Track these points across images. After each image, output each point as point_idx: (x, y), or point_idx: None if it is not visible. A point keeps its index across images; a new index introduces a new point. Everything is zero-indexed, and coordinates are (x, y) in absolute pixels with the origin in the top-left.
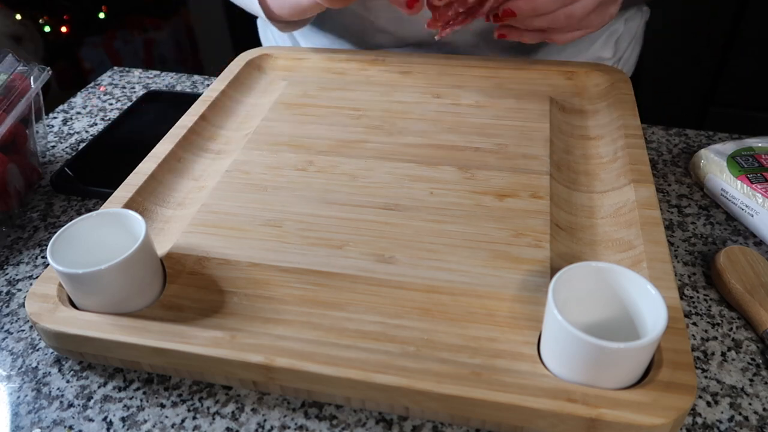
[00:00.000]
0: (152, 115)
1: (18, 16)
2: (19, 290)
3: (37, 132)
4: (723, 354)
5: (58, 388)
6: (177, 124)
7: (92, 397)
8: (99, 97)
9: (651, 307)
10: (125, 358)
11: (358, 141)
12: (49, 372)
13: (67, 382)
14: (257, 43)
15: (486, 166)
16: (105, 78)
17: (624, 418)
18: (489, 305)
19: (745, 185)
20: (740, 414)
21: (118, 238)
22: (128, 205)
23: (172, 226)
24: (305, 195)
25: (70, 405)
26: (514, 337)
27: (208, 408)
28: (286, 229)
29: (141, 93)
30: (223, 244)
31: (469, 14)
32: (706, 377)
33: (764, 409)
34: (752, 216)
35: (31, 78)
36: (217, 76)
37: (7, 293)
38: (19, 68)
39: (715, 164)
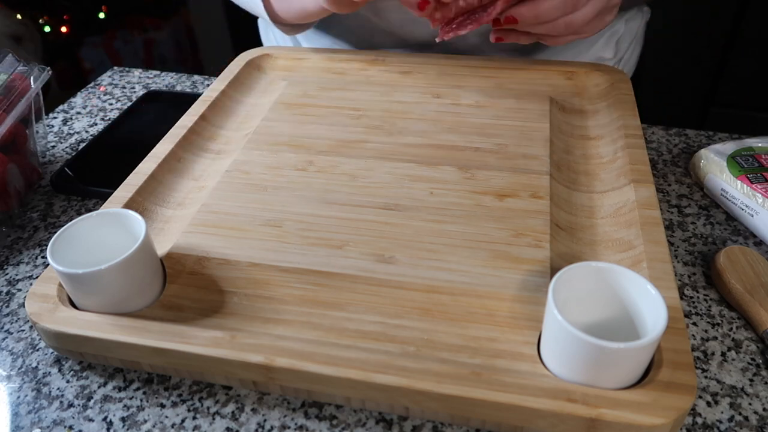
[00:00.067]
0: (152, 115)
1: (18, 16)
2: (19, 290)
3: (37, 132)
4: (723, 354)
5: (58, 388)
6: (177, 124)
7: (92, 397)
8: (99, 97)
9: (651, 307)
10: (125, 358)
11: (358, 141)
12: (49, 372)
13: (67, 382)
14: (257, 43)
15: (486, 166)
16: (105, 78)
17: (624, 418)
18: (489, 305)
19: (745, 185)
20: (740, 414)
21: (118, 238)
22: (128, 205)
23: (172, 226)
24: (305, 195)
25: (70, 405)
26: (514, 337)
27: (208, 408)
28: (286, 229)
29: (141, 93)
30: (223, 244)
31: (474, 21)
32: (706, 377)
33: (764, 409)
34: (752, 216)
35: (31, 78)
36: (217, 76)
37: (7, 293)
38: (19, 68)
39: (715, 164)
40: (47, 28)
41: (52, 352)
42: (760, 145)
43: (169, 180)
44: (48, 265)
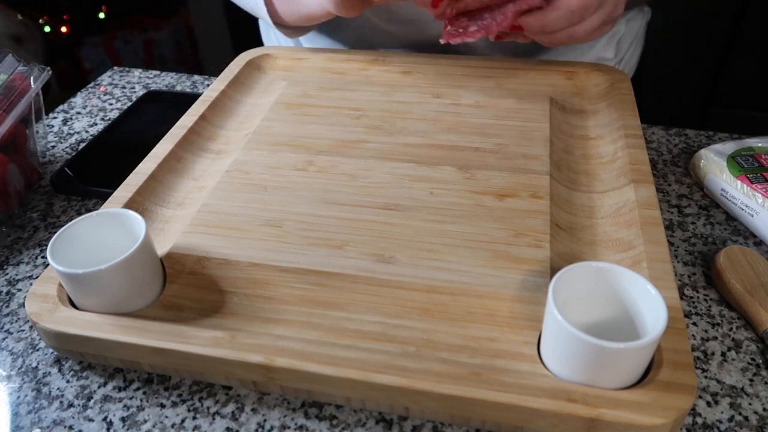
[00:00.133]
0: (152, 115)
1: (18, 17)
2: (19, 290)
3: (37, 132)
4: (723, 354)
5: (58, 388)
6: (177, 124)
7: (92, 397)
8: (99, 97)
9: (651, 307)
10: (125, 358)
11: (358, 141)
12: (49, 372)
13: (67, 382)
14: (257, 43)
15: (486, 166)
16: (105, 78)
17: (624, 418)
18: (489, 305)
19: (745, 185)
20: (740, 414)
21: (118, 238)
22: (128, 205)
23: (172, 226)
24: (305, 195)
25: (70, 405)
26: (514, 337)
27: (208, 408)
28: (286, 229)
29: (141, 93)
30: (223, 244)
31: (483, 28)
32: (706, 377)
33: (764, 409)
34: (752, 216)
35: (31, 78)
36: (217, 76)
37: (7, 293)
38: (19, 68)
39: (715, 164)
40: (47, 28)
41: (52, 352)
42: (760, 145)
43: (169, 180)
44: (48, 265)
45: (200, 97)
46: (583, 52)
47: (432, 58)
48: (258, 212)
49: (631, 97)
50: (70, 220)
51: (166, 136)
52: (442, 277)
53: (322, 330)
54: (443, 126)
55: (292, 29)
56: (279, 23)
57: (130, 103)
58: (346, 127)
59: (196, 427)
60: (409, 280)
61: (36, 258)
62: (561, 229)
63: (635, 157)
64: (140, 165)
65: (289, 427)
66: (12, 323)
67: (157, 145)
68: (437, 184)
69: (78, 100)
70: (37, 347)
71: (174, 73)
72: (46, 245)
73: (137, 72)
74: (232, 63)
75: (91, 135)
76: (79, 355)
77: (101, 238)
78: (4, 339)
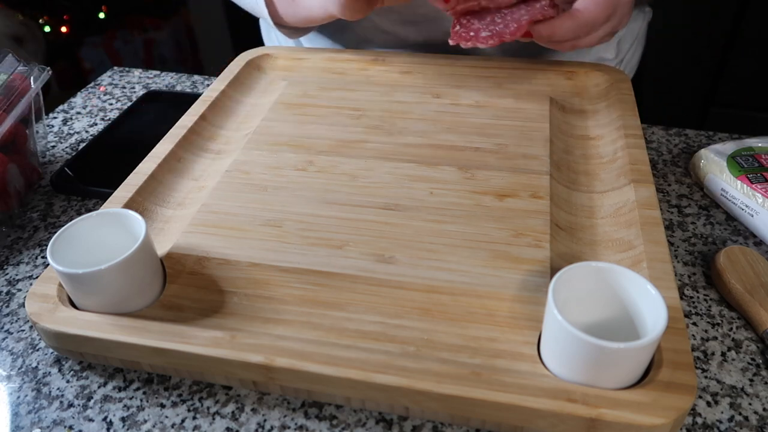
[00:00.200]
0: (152, 115)
1: (19, 16)
2: (19, 290)
3: (37, 132)
4: (723, 354)
5: (58, 388)
6: (177, 124)
7: (92, 397)
8: (99, 97)
9: (651, 307)
10: (125, 358)
11: (358, 141)
12: (49, 372)
13: (67, 382)
14: (257, 43)
15: (486, 166)
16: (105, 78)
17: (624, 418)
18: (489, 305)
19: (745, 185)
20: (740, 414)
21: (118, 238)
22: (128, 205)
23: (172, 226)
24: (305, 195)
25: (70, 405)
26: (514, 337)
27: (208, 408)
28: (286, 229)
29: (141, 93)
30: (223, 244)
31: (495, 35)
32: (706, 377)
33: (764, 409)
34: (752, 216)
35: (31, 78)
36: (217, 76)
37: (7, 293)
38: (19, 68)
39: (715, 164)
40: (47, 28)
41: (52, 352)
42: (760, 145)
43: (169, 180)
44: (48, 265)
45: (200, 97)
46: (583, 52)
47: (432, 58)
48: (258, 212)
49: (631, 97)
50: (70, 220)
51: (166, 136)
52: (442, 277)
53: (322, 330)
54: (443, 126)
55: (292, 30)
56: (279, 24)
57: (130, 103)
58: (346, 127)
59: (196, 427)
60: (409, 280)
61: (36, 258)
62: (561, 229)
63: (635, 157)
64: (140, 165)
65: (289, 427)
66: (12, 323)
67: (157, 145)
68: (437, 184)
69: (78, 100)
70: (37, 347)
71: (174, 73)
72: (46, 245)
73: (137, 72)
74: (232, 63)
75: (91, 135)
76: (79, 355)
77: (101, 238)
78: (4, 339)
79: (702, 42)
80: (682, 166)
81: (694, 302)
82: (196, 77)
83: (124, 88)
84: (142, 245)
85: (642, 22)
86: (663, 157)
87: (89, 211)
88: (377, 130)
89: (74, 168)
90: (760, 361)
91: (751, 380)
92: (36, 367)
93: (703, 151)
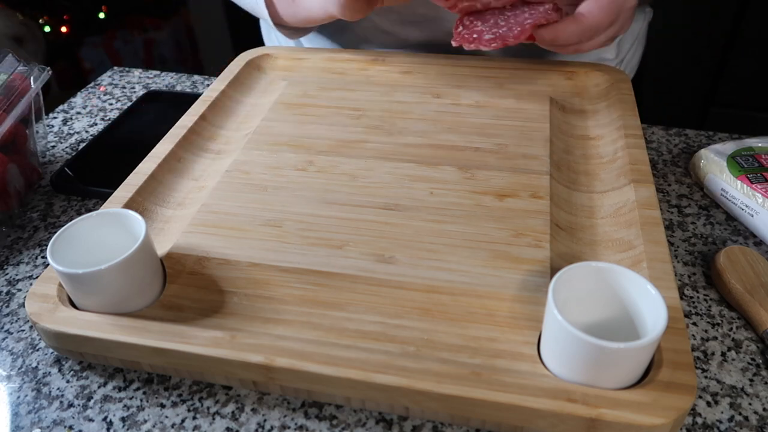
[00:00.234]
0: (152, 115)
1: (19, 16)
2: (19, 290)
3: (37, 132)
4: (723, 354)
5: (58, 388)
6: (177, 124)
7: (92, 397)
8: (99, 97)
9: (651, 307)
10: (125, 358)
11: (358, 141)
12: (49, 372)
13: (67, 382)
14: (257, 43)
15: (486, 166)
16: (105, 78)
17: (624, 418)
18: (489, 305)
19: (745, 185)
20: (740, 414)
21: (118, 238)
22: (128, 205)
23: (172, 226)
24: (305, 195)
25: (70, 405)
26: (514, 337)
27: (208, 408)
28: (286, 229)
29: (141, 93)
30: (223, 244)
31: (499, 38)
32: (706, 377)
33: (764, 409)
34: (752, 216)
35: (31, 78)
36: (217, 76)
37: (7, 293)
38: (19, 68)
39: (715, 164)
40: (47, 28)
41: (52, 352)
42: (760, 145)
43: (169, 180)
44: (48, 265)
45: (200, 97)
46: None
47: (432, 58)
48: (258, 212)
49: (631, 97)
50: (70, 220)
51: (166, 136)
52: (442, 277)
53: (322, 330)
54: (443, 126)
55: (292, 30)
56: (278, 23)
57: (130, 103)
58: (346, 127)
59: (196, 427)
60: (409, 280)
61: (36, 258)
62: (561, 229)
63: (635, 157)
64: (140, 165)
65: (289, 427)
66: (12, 323)
67: (157, 145)
68: (437, 184)
69: (78, 100)
70: (37, 347)
71: (174, 73)
72: (46, 245)
73: (137, 72)
74: (232, 63)
75: (91, 135)
76: (79, 355)
77: (101, 238)
78: (4, 339)
79: (702, 42)
80: (682, 166)
81: (694, 302)
82: (196, 77)
83: (124, 88)
84: (142, 245)
85: (642, 22)
86: (663, 157)
87: (89, 211)
88: (377, 130)
89: (74, 168)
90: (760, 361)
91: (751, 380)
92: (36, 367)
93: (703, 151)
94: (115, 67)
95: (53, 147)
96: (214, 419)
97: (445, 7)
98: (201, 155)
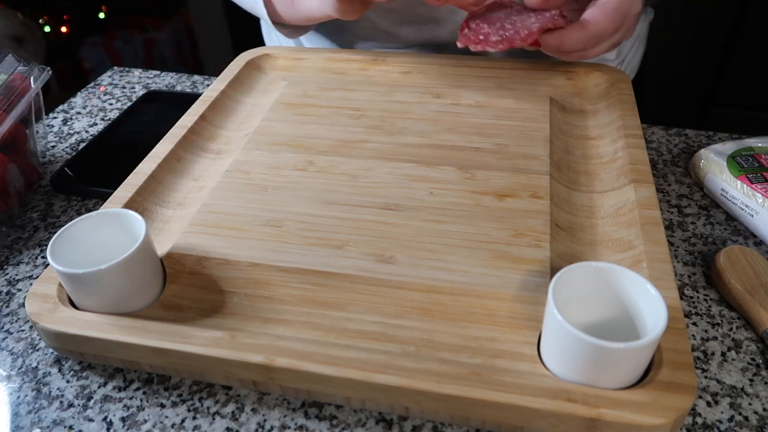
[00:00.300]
0: (152, 115)
1: (19, 16)
2: (19, 290)
3: (37, 132)
4: (723, 354)
5: (58, 388)
6: (177, 124)
7: (92, 397)
8: (99, 97)
9: (651, 307)
10: (125, 358)
11: (358, 141)
12: (49, 372)
13: (67, 382)
14: (257, 43)
15: (486, 166)
16: (105, 78)
17: (624, 418)
18: (489, 305)
19: (745, 185)
20: (740, 414)
21: (118, 238)
22: (128, 205)
23: (172, 226)
24: (305, 195)
25: (70, 405)
26: (514, 337)
27: (208, 408)
28: (286, 229)
29: (141, 93)
30: (223, 244)
31: (506, 40)
32: (706, 377)
33: (764, 409)
34: (752, 216)
35: (31, 78)
36: (217, 76)
37: (7, 293)
38: (19, 68)
39: (715, 164)
40: (47, 28)
41: (52, 352)
42: (760, 145)
43: (169, 180)
44: (48, 265)
45: (200, 97)
46: None
47: (432, 58)
48: (258, 212)
49: (631, 97)
50: (70, 220)
51: (166, 136)
52: (442, 277)
53: (322, 330)
54: (443, 126)
55: (291, 29)
56: (277, 22)
57: (130, 103)
58: (346, 127)
59: (196, 427)
60: (409, 280)
61: (36, 258)
62: (561, 229)
63: (635, 157)
64: (140, 165)
65: (289, 427)
66: (12, 323)
67: (157, 145)
68: (437, 184)
69: (78, 100)
70: (37, 347)
71: (174, 73)
72: (46, 245)
73: (137, 72)
74: (232, 63)
75: (91, 135)
76: (79, 355)
77: (101, 238)
78: (4, 339)
79: (702, 42)
80: (682, 166)
81: (694, 302)
82: (196, 77)
83: (124, 88)
84: (142, 245)
85: (643, 22)
86: (663, 157)
87: (89, 211)
88: (377, 130)
89: (74, 168)
90: (760, 361)
91: (751, 380)
92: (36, 367)
93: (703, 151)
94: (115, 67)
95: (53, 147)
96: (214, 419)
97: (457, 6)
98: (201, 155)
